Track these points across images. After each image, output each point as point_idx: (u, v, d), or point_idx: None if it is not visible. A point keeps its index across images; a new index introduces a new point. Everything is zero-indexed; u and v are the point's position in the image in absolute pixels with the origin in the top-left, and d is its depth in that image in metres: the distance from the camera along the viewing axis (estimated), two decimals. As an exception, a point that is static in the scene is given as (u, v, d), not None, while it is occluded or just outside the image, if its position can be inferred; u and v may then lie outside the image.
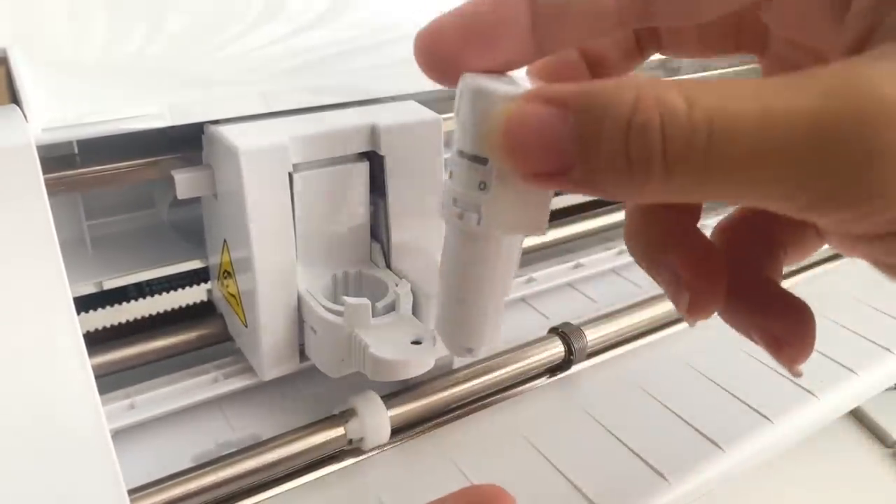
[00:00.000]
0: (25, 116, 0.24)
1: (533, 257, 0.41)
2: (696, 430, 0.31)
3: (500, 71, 0.18)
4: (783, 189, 0.14)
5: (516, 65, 0.18)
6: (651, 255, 0.20)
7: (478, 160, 0.17)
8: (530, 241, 0.41)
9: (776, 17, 0.19)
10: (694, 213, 0.20)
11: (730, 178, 0.14)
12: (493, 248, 0.18)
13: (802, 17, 0.18)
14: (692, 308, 0.19)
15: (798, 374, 0.20)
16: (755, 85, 0.14)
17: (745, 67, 0.47)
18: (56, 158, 0.27)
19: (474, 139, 0.17)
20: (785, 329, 0.20)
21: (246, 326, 0.29)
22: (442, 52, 0.19)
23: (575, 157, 0.15)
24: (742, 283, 0.20)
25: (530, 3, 0.18)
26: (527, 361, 0.32)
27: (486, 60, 0.18)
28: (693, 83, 0.15)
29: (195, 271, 0.34)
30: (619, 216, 0.45)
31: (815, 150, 0.13)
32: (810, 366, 0.19)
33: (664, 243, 0.20)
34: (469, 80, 0.18)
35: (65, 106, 0.25)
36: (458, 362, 0.31)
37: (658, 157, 0.15)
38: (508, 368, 0.31)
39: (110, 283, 0.32)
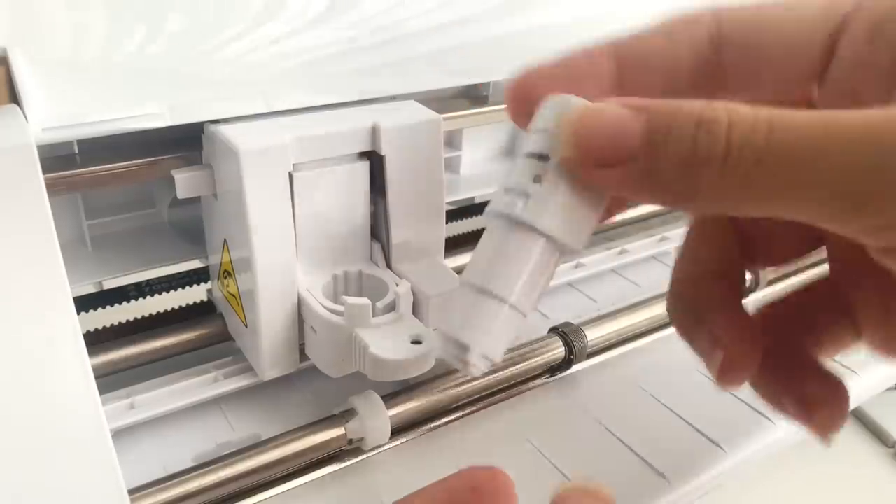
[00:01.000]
0: (26, 116, 0.24)
1: (533, 257, 0.41)
2: (697, 430, 0.31)
3: None
4: (834, 188, 0.15)
5: None
6: (692, 319, 0.21)
7: (540, 157, 0.18)
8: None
9: (829, 91, 0.20)
10: (736, 281, 0.21)
11: (783, 178, 0.15)
12: (528, 244, 0.18)
13: (856, 91, 0.19)
14: (725, 369, 0.20)
15: (829, 444, 0.20)
16: (810, 112, 0.15)
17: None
18: (56, 158, 0.27)
19: (544, 137, 0.18)
20: (817, 397, 0.20)
21: (246, 326, 0.29)
22: (533, 99, 0.20)
23: (639, 148, 0.16)
24: (777, 353, 0.21)
25: (616, 59, 0.20)
26: (527, 361, 0.32)
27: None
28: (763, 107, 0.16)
29: (195, 271, 0.34)
30: (619, 216, 0.45)
31: (872, 157, 0.14)
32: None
33: (706, 308, 0.21)
34: (552, 95, 0.19)
35: (65, 105, 0.25)
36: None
37: (721, 143, 0.16)
38: (509, 368, 0.31)
39: (110, 283, 0.32)
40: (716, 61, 0.19)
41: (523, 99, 0.20)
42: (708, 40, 0.19)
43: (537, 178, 0.18)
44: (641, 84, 0.20)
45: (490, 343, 0.18)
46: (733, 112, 0.16)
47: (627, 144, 0.17)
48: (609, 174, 0.17)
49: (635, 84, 0.20)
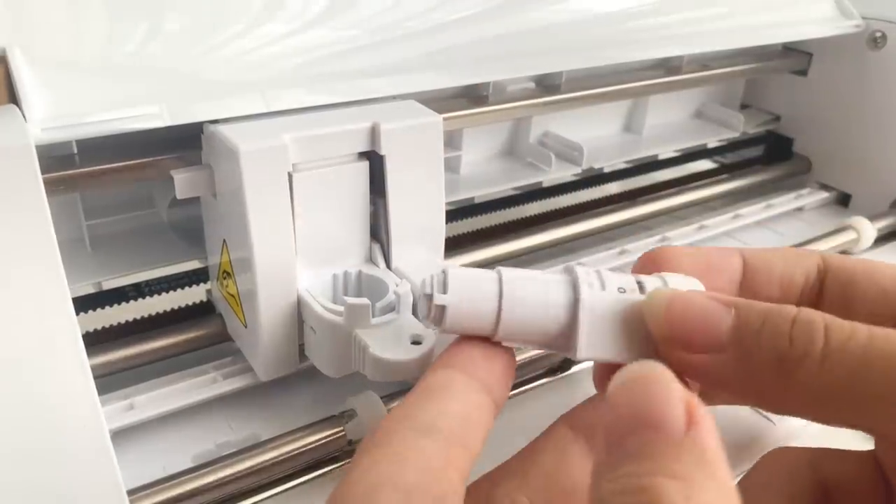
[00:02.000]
0: (24, 116, 0.24)
1: (533, 257, 0.41)
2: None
3: None
4: None
5: None
6: None
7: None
8: (531, 241, 0.41)
9: None
10: None
11: (883, 383, 0.16)
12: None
13: None
14: None
15: None
16: None
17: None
18: (55, 158, 0.27)
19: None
20: None
21: (245, 327, 0.29)
22: (659, 264, 0.22)
23: (729, 340, 0.17)
24: None
25: (744, 262, 0.22)
26: (527, 362, 0.32)
27: (710, 288, 0.21)
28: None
29: (194, 271, 0.34)
30: (620, 216, 0.45)
31: None
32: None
33: None
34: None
35: (64, 105, 0.25)
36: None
37: (819, 342, 0.16)
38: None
39: (109, 284, 0.32)
40: (818, 290, 0.22)
41: (650, 261, 0.22)
42: (816, 271, 0.22)
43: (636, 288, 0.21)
44: (762, 289, 0.22)
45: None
46: (829, 318, 0.17)
47: (716, 334, 0.18)
48: (697, 360, 0.18)
49: (757, 287, 0.22)
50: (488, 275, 0.21)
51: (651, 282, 0.21)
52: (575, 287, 0.20)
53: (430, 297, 0.21)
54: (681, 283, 0.21)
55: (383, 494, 0.16)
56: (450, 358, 0.20)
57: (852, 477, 0.22)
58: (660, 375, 0.16)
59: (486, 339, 0.21)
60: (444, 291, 0.21)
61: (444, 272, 0.21)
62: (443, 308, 0.21)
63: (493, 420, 0.20)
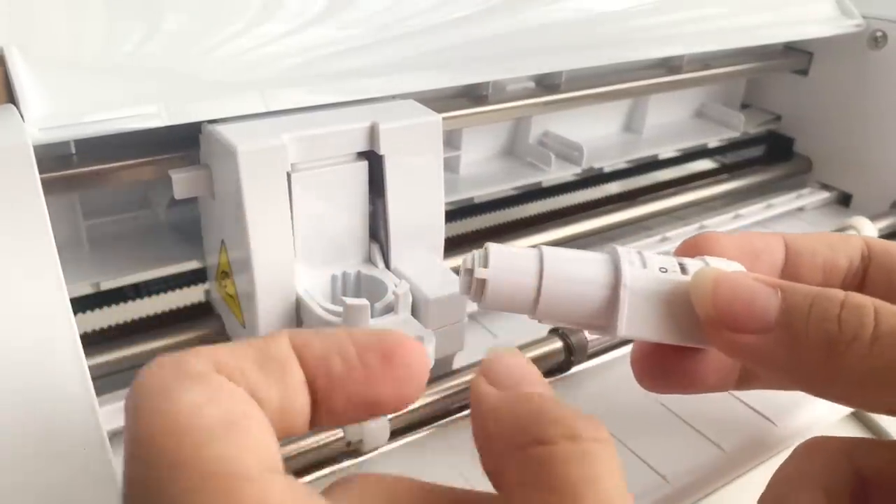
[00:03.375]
0: (22, 116, 0.23)
1: (533, 257, 0.41)
2: (697, 430, 0.31)
3: None
4: None
5: None
6: None
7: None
8: (531, 241, 0.41)
9: None
10: None
11: None
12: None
13: None
14: None
15: None
16: None
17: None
18: (53, 158, 0.27)
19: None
20: None
21: (244, 327, 0.29)
22: (701, 249, 0.22)
23: (777, 322, 0.17)
24: None
25: (787, 247, 0.22)
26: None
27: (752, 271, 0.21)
28: None
29: (193, 272, 0.34)
30: (620, 216, 0.45)
31: None
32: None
33: None
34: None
35: (62, 105, 0.25)
36: (458, 363, 0.31)
37: (869, 325, 0.16)
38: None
39: (107, 284, 0.32)
40: (862, 276, 0.22)
41: (692, 248, 0.22)
42: (860, 257, 0.22)
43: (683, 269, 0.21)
44: (805, 275, 0.22)
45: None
46: (878, 302, 0.17)
47: (764, 315, 0.18)
48: (743, 340, 0.18)
49: (800, 273, 0.22)
50: (530, 252, 0.21)
51: (693, 264, 0.21)
52: (616, 266, 0.21)
53: (470, 272, 0.21)
54: (723, 267, 0.21)
55: None
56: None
57: (891, 467, 0.22)
58: None
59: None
60: (485, 266, 0.21)
61: (485, 247, 0.21)
62: (483, 282, 0.21)
63: None
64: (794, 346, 0.17)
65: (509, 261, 0.21)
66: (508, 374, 0.17)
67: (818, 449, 0.23)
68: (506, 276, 0.21)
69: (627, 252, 0.21)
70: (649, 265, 0.21)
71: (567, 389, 0.33)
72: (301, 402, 0.16)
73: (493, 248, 0.21)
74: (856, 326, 0.16)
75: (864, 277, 0.22)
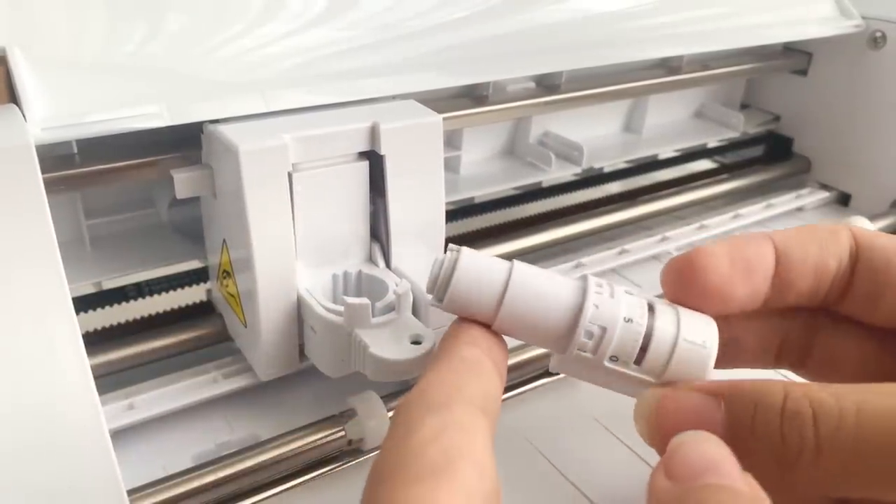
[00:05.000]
0: (24, 116, 0.23)
1: (534, 257, 0.41)
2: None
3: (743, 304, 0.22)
4: None
5: (759, 297, 0.22)
6: None
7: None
8: (531, 241, 0.41)
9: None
10: None
11: (877, 464, 0.16)
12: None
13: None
14: None
15: None
16: (890, 387, 0.16)
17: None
18: (55, 158, 0.27)
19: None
20: None
21: (245, 326, 0.29)
22: (706, 279, 0.21)
23: (724, 440, 0.17)
24: None
25: (777, 250, 0.21)
26: (527, 362, 0.32)
27: (746, 288, 0.21)
28: (836, 385, 0.17)
29: (194, 271, 0.34)
30: (620, 216, 0.45)
31: None
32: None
33: None
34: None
35: (64, 105, 0.25)
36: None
37: (810, 439, 0.16)
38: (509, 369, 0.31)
39: (109, 283, 0.32)
40: (850, 274, 0.22)
41: (686, 266, 0.21)
42: (849, 255, 0.22)
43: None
44: (796, 280, 0.21)
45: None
46: (816, 402, 0.16)
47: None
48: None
49: (791, 278, 0.21)
50: (500, 264, 0.21)
51: (663, 315, 0.20)
52: (584, 296, 0.20)
53: (436, 275, 0.21)
54: (693, 324, 0.20)
55: (463, 464, 0.16)
56: (473, 338, 0.20)
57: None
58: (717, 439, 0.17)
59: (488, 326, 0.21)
60: (453, 270, 0.21)
61: (457, 251, 0.21)
62: (445, 287, 0.21)
63: None
64: (747, 462, 0.17)
65: (478, 269, 0.21)
66: (687, 465, 0.16)
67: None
68: (470, 285, 0.21)
69: (599, 288, 0.21)
70: (616, 308, 0.20)
71: (566, 390, 0.33)
72: None
73: (465, 253, 0.21)
74: (798, 441, 0.16)
75: (851, 278, 0.22)
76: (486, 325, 0.21)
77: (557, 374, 0.33)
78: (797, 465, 0.16)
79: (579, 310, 0.20)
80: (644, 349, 0.20)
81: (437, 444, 0.16)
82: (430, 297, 0.22)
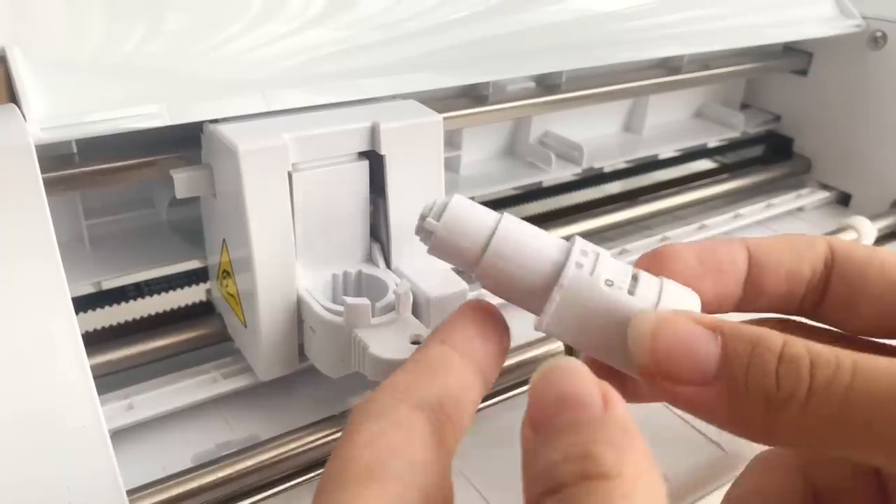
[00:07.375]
0: (24, 115, 0.23)
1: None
2: (698, 430, 0.31)
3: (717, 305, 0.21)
4: None
5: (730, 299, 0.22)
6: None
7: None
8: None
9: None
10: None
11: (866, 422, 0.16)
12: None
13: None
14: None
15: None
16: (888, 360, 0.16)
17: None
18: (55, 157, 0.27)
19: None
20: None
21: (245, 326, 0.29)
22: (671, 270, 0.21)
23: (716, 373, 0.17)
24: None
25: (750, 255, 0.21)
26: (527, 361, 0.32)
27: (715, 287, 0.21)
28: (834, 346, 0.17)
29: (194, 271, 0.34)
30: (620, 216, 0.45)
31: None
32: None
33: None
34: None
35: (63, 105, 0.25)
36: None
37: (805, 381, 0.16)
38: (509, 368, 0.31)
39: (109, 283, 0.32)
40: (824, 284, 0.22)
41: (656, 259, 0.21)
42: (824, 264, 0.22)
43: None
44: (769, 286, 0.21)
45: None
46: (814, 352, 0.16)
47: (704, 368, 0.17)
48: (681, 392, 0.18)
49: (763, 282, 0.21)
50: (489, 213, 0.21)
51: (647, 282, 0.20)
52: (567, 255, 0.20)
53: (425, 216, 0.21)
54: (676, 293, 0.20)
55: (397, 465, 0.16)
56: (447, 334, 0.20)
57: (846, 484, 0.22)
58: (574, 366, 0.17)
59: (484, 317, 0.21)
60: (438, 219, 0.21)
61: (448, 200, 0.21)
62: (430, 233, 0.21)
63: (480, 401, 0.20)
64: (733, 400, 0.17)
65: (465, 217, 0.21)
66: (542, 410, 0.17)
67: (772, 463, 0.23)
68: (454, 232, 0.21)
69: (583, 251, 0.20)
70: (597, 272, 0.20)
71: (567, 389, 0.33)
72: None
73: (455, 200, 0.21)
74: (792, 383, 0.16)
75: (826, 285, 0.22)
76: (479, 324, 0.21)
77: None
78: (786, 408, 0.16)
79: (561, 266, 0.20)
80: None
81: (371, 449, 0.16)
82: (418, 237, 0.22)
